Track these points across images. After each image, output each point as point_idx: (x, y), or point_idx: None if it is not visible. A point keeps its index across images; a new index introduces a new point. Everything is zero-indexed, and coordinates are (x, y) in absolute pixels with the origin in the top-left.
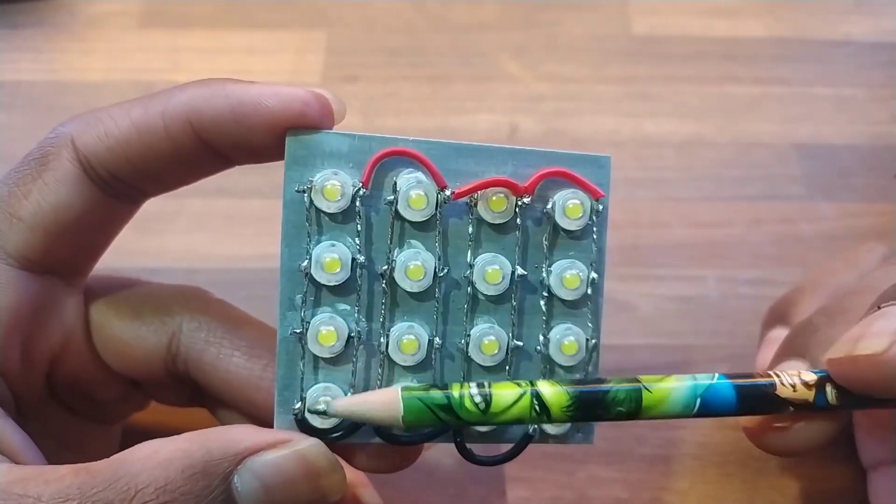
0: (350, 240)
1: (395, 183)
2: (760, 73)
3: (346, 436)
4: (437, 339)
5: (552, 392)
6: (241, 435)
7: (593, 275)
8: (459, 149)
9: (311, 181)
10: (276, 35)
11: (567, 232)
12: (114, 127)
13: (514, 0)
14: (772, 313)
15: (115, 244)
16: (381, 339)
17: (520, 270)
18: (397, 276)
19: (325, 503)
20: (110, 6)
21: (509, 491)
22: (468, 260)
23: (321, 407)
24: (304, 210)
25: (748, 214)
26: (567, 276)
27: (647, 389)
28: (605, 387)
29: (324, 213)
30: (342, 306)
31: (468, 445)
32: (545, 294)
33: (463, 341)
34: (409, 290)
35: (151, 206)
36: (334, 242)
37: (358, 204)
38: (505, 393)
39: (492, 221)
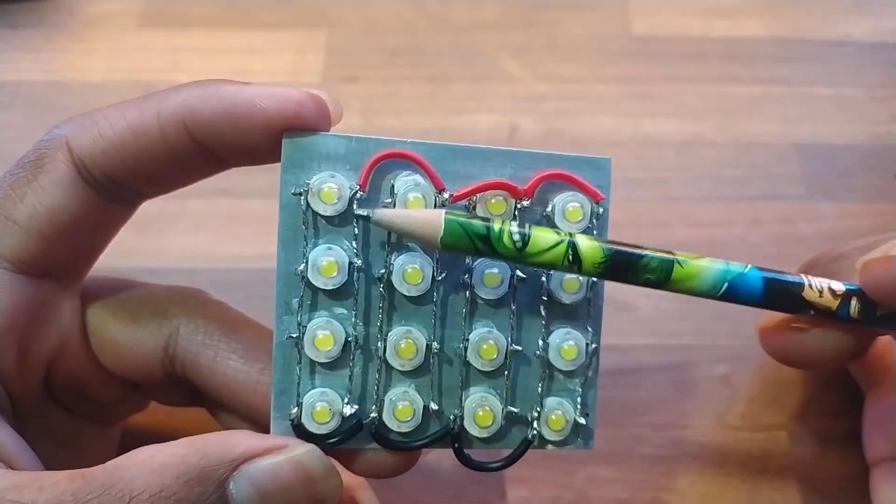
0: (347, 243)
1: (393, 185)
2: (760, 73)
3: (343, 441)
4: (435, 344)
5: (588, 245)
6: (237, 441)
7: (593, 278)
8: (458, 151)
9: (308, 184)
10: (276, 35)
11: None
12: (109, 129)
13: (514, 0)
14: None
15: (116, 244)
16: (379, 344)
17: (519, 274)
18: (395, 279)
19: None
20: (110, 6)
21: (509, 491)
22: (466, 263)
23: (363, 212)
24: (301, 213)
25: (748, 214)
26: (567, 279)
27: (679, 263)
28: (639, 251)
29: (320, 216)
30: (339, 310)
31: (466, 451)
32: (544, 298)
33: (461, 346)
34: (407, 294)
35: (152, 207)
36: (331, 246)
37: (355, 207)
38: (543, 236)
39: None
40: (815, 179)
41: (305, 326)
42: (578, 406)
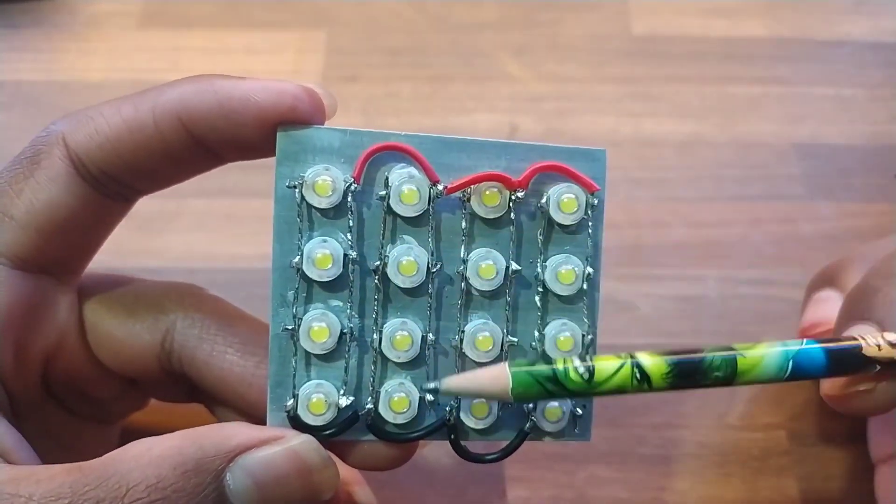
0: (342, 235)
1: (387, 178)
2: (760, 73)
3: (339, 433)
4: (430, 336)
5: (652, 362)
6: (234, 432)
7: (589, 269)
8: (452, 143)
9: (303, 177)
10: (276, 35)
11: (562, 226)
12: (104, 125)
13: (514, 0)
14: (819, 277)
15: (116, 244)
16: (374, 336)
17: (514, 265)
18: (390, 271)
19: (318, 500)
20: (110, 6)
21: (509, 491)
22: (462, 255)
23: (432, 385)
24: (296, 206)
25: (748, 214)
26: (562, 270)
27: (741, 355)
28: (700, 355)
29: (315, 208)
30: (334, 302)
31: (463, 443)
32: (540, 289)
33: (457, 337)
34: (402, 285)
35: (152, 206)
36: (326, 238)
37: (350, 199)
38: (606, 363)
39: (485, 216)
40: (815, 179)
41: (301, 319)
42: None
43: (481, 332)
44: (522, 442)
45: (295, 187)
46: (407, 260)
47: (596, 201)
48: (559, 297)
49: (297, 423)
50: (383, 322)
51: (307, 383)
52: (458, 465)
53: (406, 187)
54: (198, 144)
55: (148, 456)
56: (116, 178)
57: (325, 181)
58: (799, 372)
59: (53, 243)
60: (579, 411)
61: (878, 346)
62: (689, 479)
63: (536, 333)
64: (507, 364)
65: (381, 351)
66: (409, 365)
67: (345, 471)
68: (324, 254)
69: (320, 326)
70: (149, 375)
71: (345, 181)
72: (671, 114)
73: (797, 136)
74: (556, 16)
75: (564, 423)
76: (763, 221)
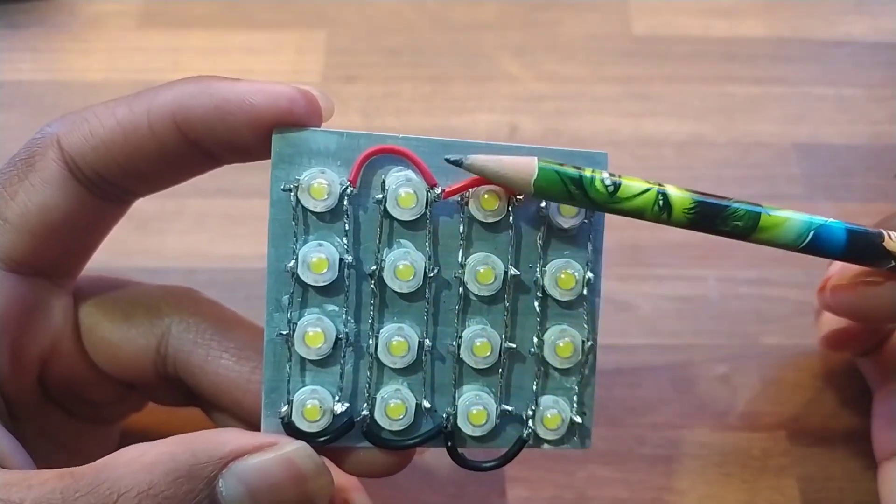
0: (338, 239)
1: (384, 181)
2: (760, 73)
3: (334, 439)
4: (427, 341)
5: (678, 192)
6: (227, 438)
7: (589, 274)
8: (450, 146)
9: (298, 180)
10: (276, 35)
11: (562, 231)
12: (99, 126)
13: (514, 0)
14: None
15: (115, 244)
16: (370, 341)
17: (513, 270)
18: (386, 276)
19: None
20: (110, 6)
21: (509, 491)
22: (459, 260)
23: (455, 157)
24: (291, 209)
25: None
26: (562, 276)
27: (766, 212)
28: (727, 202)
29: (311, 212)
30: (330, 307)
31: (460, 450)
32: (539, 294)
33: (454, 343)
34: (399, 290)
35: (151, 206)
36: (322, 242)
37: (346, 203)
38: (633, 182)
39: (484, 220)
40: (815, 179)
41: (296, 324)
42: (575, 405)
43: (479, 338)
44: (521, 450)
45: (290, 190)
46: (404, 264)
47: None
48: (559, 302)
49: (291, 430)
50: (379, 327)
51: (302, 389)
52: (457, 465)
53: (403, 191)
54: (193, 146)
55: (140, 462)
56: (111, 181)
57: (321, 184)
58: (817, 244)
59: (48, 246)
60: (579, 420)
61: None
62: (689, 479)
63: (535, 339)
64: (536, 157)
65: (378, 356)
66: (406, 371)
67: (342, 476)
68: (319, 258)
69: (315, 331)
70: (145, 379)
71: (341, 184)
72: (671, 114)
73: (797, 136)
74: (556, 16)
75: (563, 432)
76: None
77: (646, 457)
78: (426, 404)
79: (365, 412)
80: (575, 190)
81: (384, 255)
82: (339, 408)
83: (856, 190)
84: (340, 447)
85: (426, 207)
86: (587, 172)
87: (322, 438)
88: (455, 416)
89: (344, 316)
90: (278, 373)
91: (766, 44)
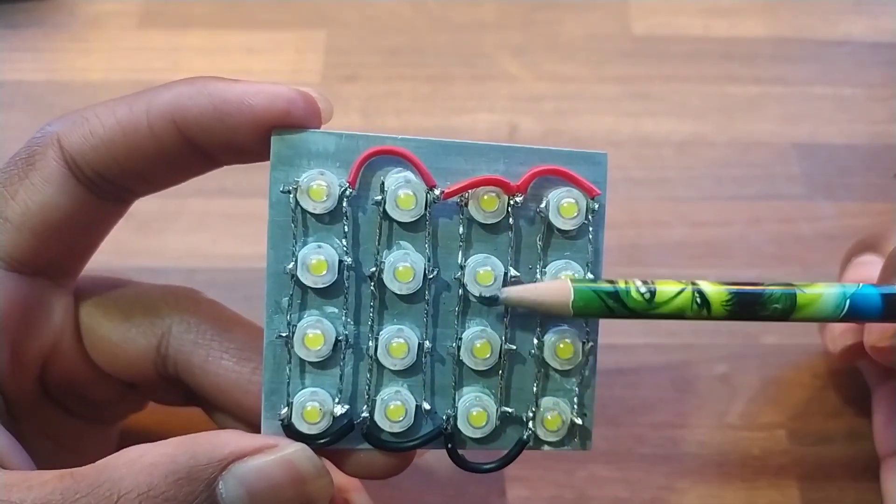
0: (337, 241)
1: (383, 182)
2: (760, 73)
3: (334, 441)
4: (427, 343)
5: (713, 289)
6: (227, 440)
7: (589, 276)
8: (449, 147)
9: (297, 181)
10: (276, 35)
11: (562, 232)
12: (99, 126)
13: (514, 0)
14: (858, 245)
15: (116, 244)
16: (370, 343)
17: (513, 272)
18: (386, 277)
19: None
20: (110, 6)
21: (509, 491)
22: (459, 261)
23: (488, 293)
24: (290, 211)
25: (748, 214)
26: (562, 277)
27: (801, 291)
28: (761, 288)
29: (310, 213)
30: (330, 309)
31: (460, 452)
32: None
33: (454, 345)
34: (398, 292)
35: (152, 206)
36: (321, 244)
37: (345, 204)
38: (667, 285)
39: (483, 221)
40: (815, 179)
41: (295, 326)
42: (575, 406)
43: (479, 340)
44: (521, 451)
45: (289, 192)
46: (403, 266)
47: (597, 206)
48: None
49: (291, 432)
50: (379, 329)
51: (302, 391)
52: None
53: (402, 192)
54: (192, 147)
55: (140, 463)
56: (111, 180)
57: (320, 186)
58: (855, 312)
59: (48, 245)
60: (579, 421)
61: None
62: (689, 479)
63: (535, 341)
64: (568, 278)
65: (377, 358)
66: (406, 373)
67: (342, 477)
68: (318, 260)
69: (315, 333)
70: (145, 379)
71: (340, 186)
72: (671, 114)
73: (797, 136)
74: (556, 16)
75: (564, 433)
76: (763, 221)
77: (646, 457)
78: (426, 406)
79: (365, 414)
80: (613, 304)
81: (384, 257)
82: (339, 410)
83: (855, 189)
84: (340, 449)
85: (425, 209)
86: (621, 284)
87: (322, 440)
88: (455, 417)
89: (343, 318)
90: (278, 375)
91: (766, 43)
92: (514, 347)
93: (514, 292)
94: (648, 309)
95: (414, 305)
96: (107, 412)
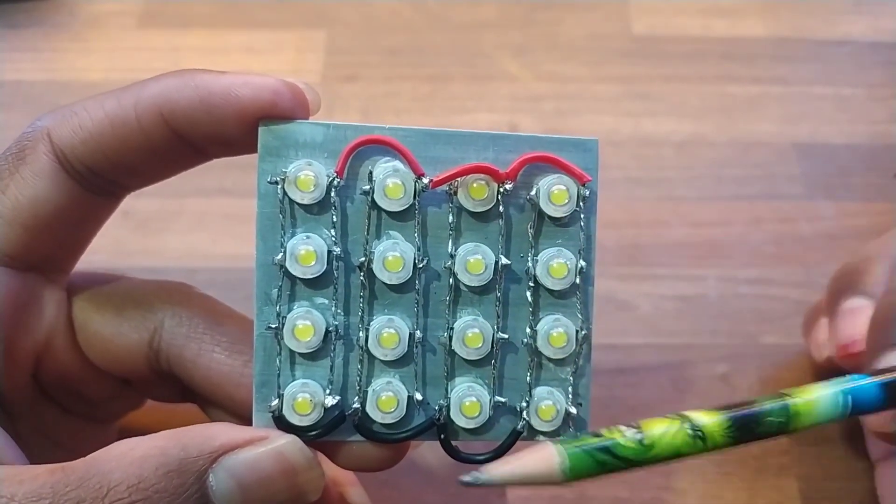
0: (326, 231)
1: (371, 172)
2: (760, 73)
3: (325, 433)
4: (418, 333)
5: (708, 419)
6: (217, 432)
7: (581, 263)
8: (437, 135)
9: (285, 172)
10: (276, 35)
11: (553, 219)
12: (88, 119)
13: (514, 0)
14: (839, 283)
15: (115, 243)
16: (360, 334)
17: (504, 260)
18: (375, 267)
19: (303, 501)
20: (110, 6)
21: (509, 490)
22: (449, 250)
23: (467, 479)
24: (278, 202)
25: (748, 214)
26: (554, 264)
27: (792, 400)
28: (754, 409)
29: (298, 204)
30: (319, 300)
31: (454, 443)
32: (531, 284)
33: (445, 335)
34: (388, 282)
35: (151, 206)
36: (309, 234)
37: (333, 194)
38: (656, 426)
39: (473, 209)
40: (815, 179)
41: (285, 317)
42: (570, 395)
43: (471, 329)
44: (515, 442)
45: (277, 183)
46: (393, 255)
47: (588, 192)
48: (551, 291)
49: (282, 424)
50: (369, 319)
51: (292, 383)
52: (457, 463)
53: (391, 181)
54: (180, 139)
55: (130, 456)
56: (101, 174)
57: (308, 176)
58: (858, 407)
59: (40, 240)
60: (574, 410)
61: None
62: (689, 479)
63: (528, 329)
64: (549, 443)
65: (368, 349)
66: (397, 363)
67: (337, 471)
68: (307, 250)
69: (305, 324)
70: (139, 375)
71: (328, 176)
72: (671, 114)
73: (797, 136)
74: (556, 15)
75: (559, 423)
76: (763, 221)
77: None
78: (418, 397)
79: (356, 405)
80: (606, 458)
81: (373, 247)
82: (330, 401)
83: (855, 189)
84: (332, 441)
85: (414, 198)
86: (607, 434)
87: (313, 432)
88: (448, 408)
89: (333, 308)
90: (268, 367)
91: (766, 43)
92: (507, 336)
93: (498, 472)
94: (646, 454)
95: (404, 295)
96: (103, 410)
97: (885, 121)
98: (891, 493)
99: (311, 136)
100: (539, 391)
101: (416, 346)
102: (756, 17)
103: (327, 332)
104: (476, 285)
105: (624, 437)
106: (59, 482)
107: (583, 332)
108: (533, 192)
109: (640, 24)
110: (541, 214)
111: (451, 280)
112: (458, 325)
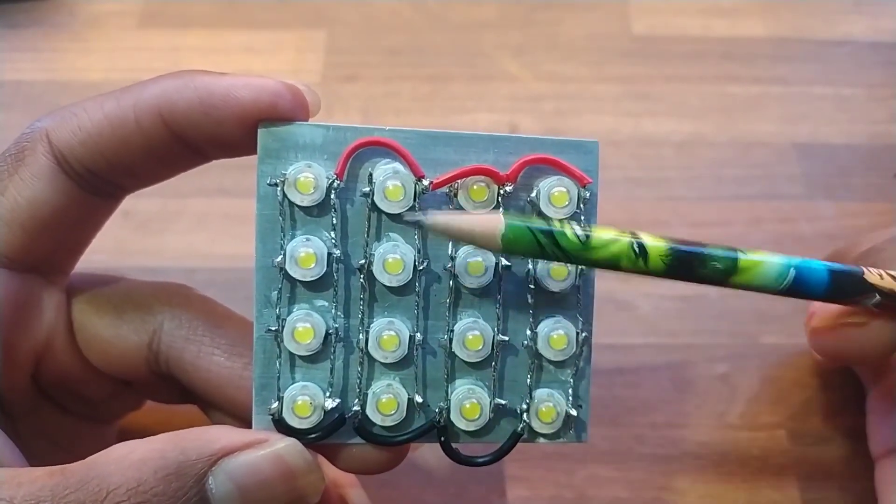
0: (326, 234)
1: (371, 174)
2: (760, 73)
3: (325, 436)
4: (418, 335)
5: (653, 242)
6: (217, 435)
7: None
8: (438, 137)
9: (284, 174)
10: (276, 35)
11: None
12: (87, 120)
13: (514, 0)
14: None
15: (116, 244)
16: (360, 336)
17: (504, 262)
18: (375, 269)
19: None
20: (110, 6)
21: (509, 490)
22: (449, 252)
23: (414, 217)
24: (278, 204)
25: (748, 214)
26: (554, 266)
27: (743, 255)
28: (702, 246)
29: (298, 206)
30: (319, 302)
31: (454, 445)
32: (531, 286)
33: (446, 337)
34: (388, 284)
35: (152, 206)
36: (309, 237)
37: (333, 196)
38: (604, 230)
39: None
40: (815, 179)
41: (285, 320)
42: (570, 398)
43: (471, 331)
44: (515, 444)
45: (277, 185)
46: (393, 258)
47: (588, 194)
48: (552, 293)
49: (282, 427)
50: (369, 322)
51: (292, 385)
52: (457, 464)
53: (391, 183)
54: (180, 141)
55: (129, 459)
56: (100, 175)
57: (308, 178)
58: (798, 285)
59: (39, 241)
60: (574, 412)
61: (881, 275)
62: (689, 479)
63: (529, 332)
64: (502, 211)
65: (368, 351)
66: (397, 366)
67: (338, 473)
68: (307, 253)
69: (305, 327)
70: (138, 376)
71: (328, 178)
72: (671, 113)
73: (797, 136)
74: (556, 15)
75: (559, 425)
76: (763, 221)
77: (646, 456)
78: (418, 399)
79: (356, 408)
80: (545, 241)
81: (373, 249)
82: (330, 404)
83: (855, 189)
84: (332, 443)
85: (414, 200)
86: (557, 224)
87: (313, 435)
88: (448, 410)
89: (333, 311)
90: (268, 369)
91: (766, 43)
92: (507, 339)
93: (440, 218)
94: (582, 251)
95: (404, 297)
96: (103, 410)
97: (885, 121)
98: (890, 491)
99: (310, 138)
100: (539, 393)
101: (417, 349)
102: (756, 17)
103: (327, 334)
104: (476, 287)
105: (571, 230)
106: (58, 485)
107: (583, 335)
108: (533, 194)
109: (640, 24)
110: (541, 216)
111: (451, 282)
112: (458, 327)
